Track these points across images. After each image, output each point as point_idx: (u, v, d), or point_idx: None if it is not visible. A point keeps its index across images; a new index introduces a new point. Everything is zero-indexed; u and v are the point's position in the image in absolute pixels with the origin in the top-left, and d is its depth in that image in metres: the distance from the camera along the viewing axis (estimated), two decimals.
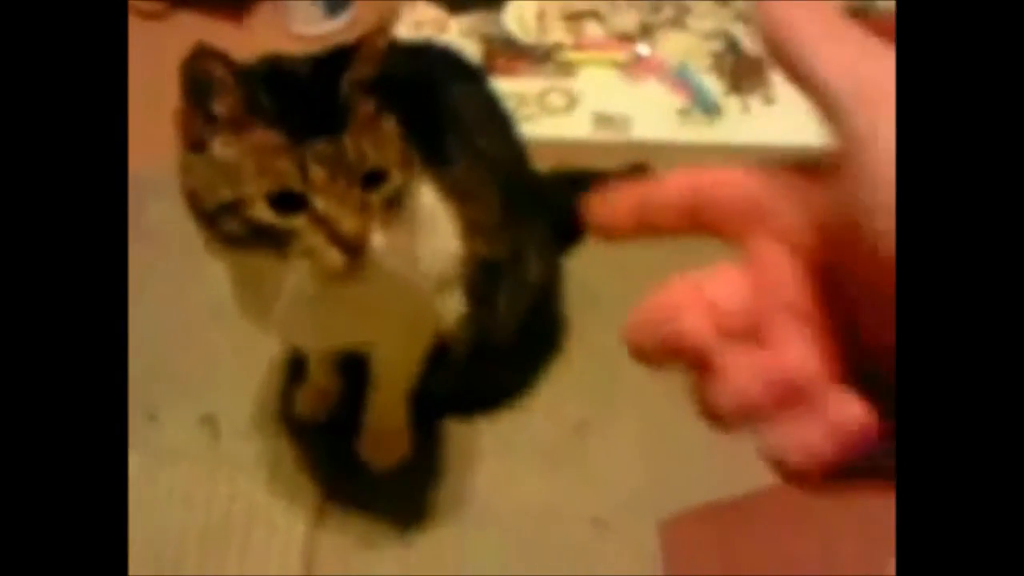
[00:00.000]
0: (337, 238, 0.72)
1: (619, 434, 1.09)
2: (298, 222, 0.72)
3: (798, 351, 0.30)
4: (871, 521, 0.98)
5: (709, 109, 1.39)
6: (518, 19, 1.47)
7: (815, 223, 0.30)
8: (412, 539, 1.02)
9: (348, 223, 0.71)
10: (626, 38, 1.48)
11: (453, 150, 0.94)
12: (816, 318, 0.30)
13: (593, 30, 1.49)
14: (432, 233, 0.88)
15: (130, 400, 0.53)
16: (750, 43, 1.45)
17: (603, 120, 1.39)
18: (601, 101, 1.41)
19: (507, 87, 1.33)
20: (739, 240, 0.32)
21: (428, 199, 0.87)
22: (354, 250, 0.72)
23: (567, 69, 1.45)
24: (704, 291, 0.31)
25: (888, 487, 0.31)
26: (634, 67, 1.45)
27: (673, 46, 1.46)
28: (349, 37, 0.78)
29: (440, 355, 1.01)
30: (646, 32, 1.48)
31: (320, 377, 1.10)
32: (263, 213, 0.71)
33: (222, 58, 0.70)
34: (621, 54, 1.46)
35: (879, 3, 1.45)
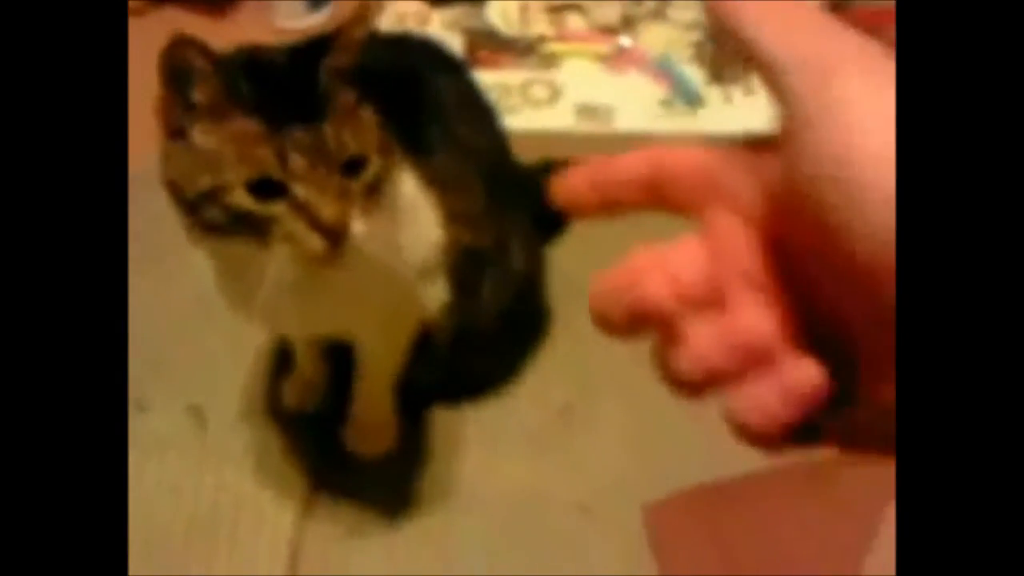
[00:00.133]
0: (317, 224, 0.72)
1: (603, 420, 1.10)
2: (278, 209, 0.73)
3: (754, 316, 0.31)
4: (854, 503, 0.99)
5: (691, 99, 1.40)
6: (501, 12, 1.48)
7: (766, 195, 0.31)
8: (399, 527, 1.03)
9: (328, 210, 0.72)
10: (608, 30, 1.49)
11: (434, 140, 0.94)
12: (770, 285, 0.31)
13: (575, 22, 1.50)
14: (414, 221, 0.88)
15: None
16: None
17: (586, 111, 1.40)
18: (584, 93, 1.42)
19: (490, 79, 1.34)
20: (697, 213, 0.33)
21: (409, 188, 0.87)
22: (334, 236, 0.73)
23: (550, 61, 1.46)
24: (666, 260, 0.32)
25: (838, 447, 0.32)
26: (616, 59, 1.46)
27: (655, 37, 1.47)
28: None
29: (425, 344, 1.02)
30: (628, 24, 1.49)
31: (307, 368, 1.10)
32: (243, 200, 0.72)
33: (201, 47, 0.70)
34: (603, 46, 1.47)
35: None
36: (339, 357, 1.07)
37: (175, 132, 0.74)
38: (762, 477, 1.01)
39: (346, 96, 0.75)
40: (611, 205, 0.34)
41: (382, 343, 1.01)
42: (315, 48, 0.75)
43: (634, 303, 0.32)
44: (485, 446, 1.09)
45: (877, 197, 0.27)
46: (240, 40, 0.79)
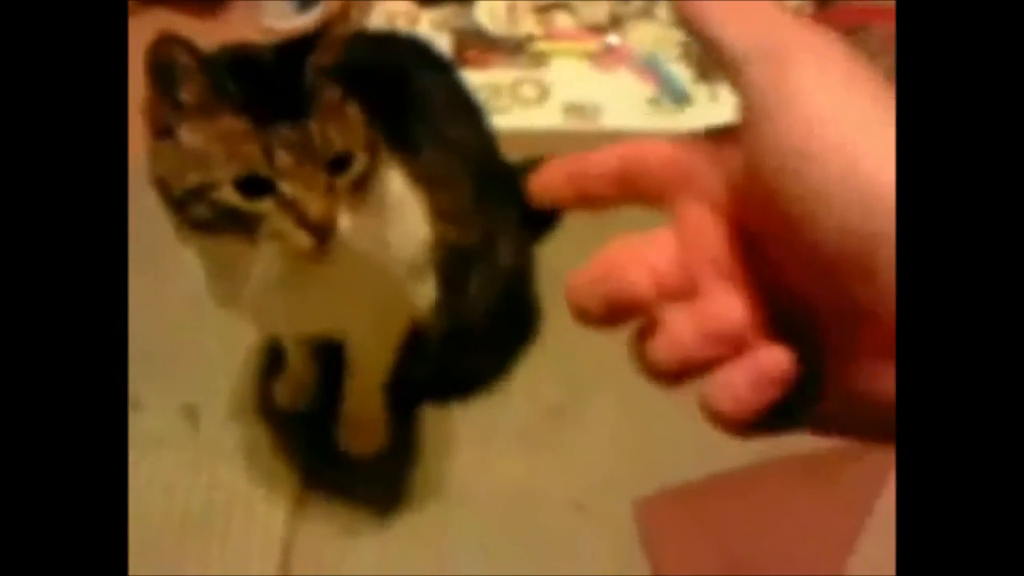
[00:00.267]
0: (304, 221, 0.73)
1: (594, 417, 1.11)
2: (265, 206, 0.73)
3: (725, 304, 0.32)
4: (845, 496, 0.99)
5: (678, 97, 1.41)
6: (489, 11, 1.48)
7: (730, 186, 0.32)
8: (391, 525, 1.03)
9: (315, 206, 0.72)
10: (596, 29, 1.49)
11: (421, 138, 0.95)
12: (738, 273, 0.32)
13: (563, 21, 1.50)
14: (401, 218, 0.89)
15: None
16: None
17: (574, 110, 1.40)
18: (572, 91, 1.43)
19: (479, 79, 1.34)
20: (668, 205, 0.33)
21: (397, 185, 0.88)
22: (321, 233, 0.73)
23: (538, 60, 1.47)
24: (640, 251, 0.33)
25: (809, 433, 0.32)
26: (604, 57, 1.47)
27: (642, 36, 1.47)
28: None
29: (415, 342, 1.02)
30: (616, 22, 1.49)
31: (298, 367, 1.11)
32: (231, 197, 0.72)
33: (186, 45, 0.71)
34: (592, 44, 1.48)
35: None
36: (331, 356, 1.08)
37: (162, 130, 0.74)
38: (753, 471, 1.01)
39: (331, 93, 0.75)
40: (587, 199, 0.35)
41: (372, 341, 1.01)
42: (301, 46, 0.76)
43: (613, 293, 0.32)
44: (476, 444, 1.09)
45: (837, 188, 0.27)
46: (229, 40, 0.80)
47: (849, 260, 0.27)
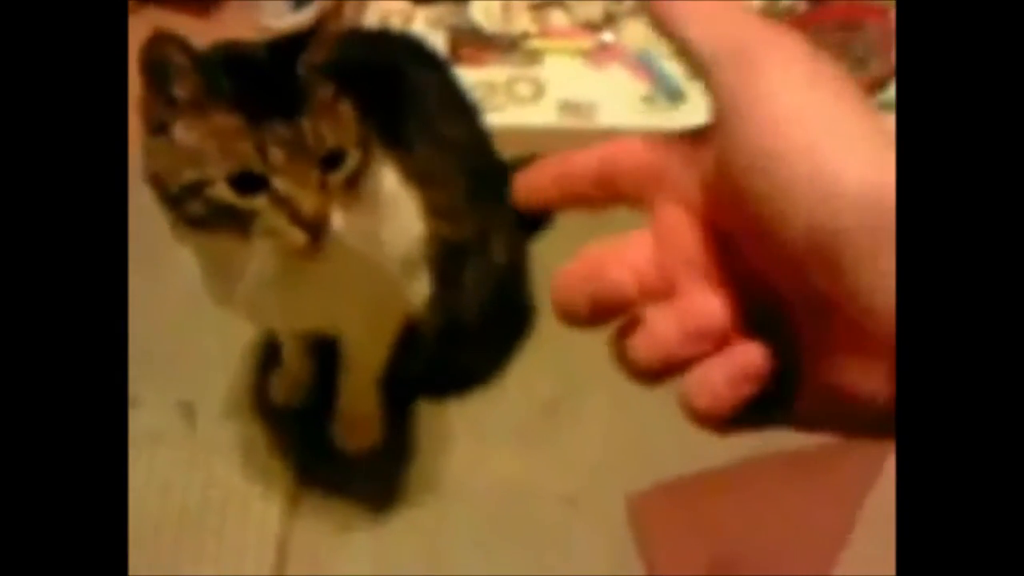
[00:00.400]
0: (298, 218, 0.73)
1: (588, 413, 1.11)
2: (259, 203, 0.73)
3: (702, 302, 0.32)
4: (837, 494, 1.00)
5: (672, 94, 1.41)
6: (484, 9, 1.48)
7: (704, 185, 0.32)
8: (386, 521, 1.03)
9: (308, 203, 0.73)
10: (590, 26, 1.49)
11: (415, 135, 0.95)
12: (713, 271, 0.32)
13: (558, 19, 1.50)
14: (395, 215, 0.89)
15: None
16: None
17: (569, 107, 1.41)
18: (567, 89, 1.43)
19: (474, 77, 1.34)
20: (646, 205, 0.34)
21: (390, 182, 0.88)
22: (315, 230, 0.73)
23: (533, 58, 1.47)
24: (621, 251, 0.33)
25: (788, 428, 0.33)
26: (599, 54, 1.47)
27: (636, 33, 1.48)
28: None
29: (410, 338, 1.03)
30: (610, 20, 1.50)
31: (294, 364, 1.11)
32: (225, 194, 0.73)
33: (180, 42, 0.71)
34: (586, 42, 1.48)
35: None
36: (326, 353, 1.08)
37: (157, 127, 0.75)
38: (745, 467, 1.02)
39: (324, 91, 0.76)
40: (572, 200, 0.35)
41: (366, 337, 1.01)
42: (294, 43, 0.76)
43: (596, 292, 0.33)
44: (471, 440, 1.10)
45: (804, 187, 0.28)
46: (225, 38, 0.80)
47: (816, 258, 0.28)
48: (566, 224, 1.21)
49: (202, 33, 0.79)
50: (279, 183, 0.73)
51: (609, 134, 0.34)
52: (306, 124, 0.73)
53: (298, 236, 0.73)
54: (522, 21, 1.48)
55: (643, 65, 1.44)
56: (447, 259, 0.99)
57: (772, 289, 0.31)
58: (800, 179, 0.28)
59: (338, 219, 0.74)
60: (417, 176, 0.92)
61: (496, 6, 1.48)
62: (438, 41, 1.44)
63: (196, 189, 0.73)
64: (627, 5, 1.51)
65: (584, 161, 0.35)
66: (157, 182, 0.75)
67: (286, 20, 1.51)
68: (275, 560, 1.01)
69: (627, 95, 1.41)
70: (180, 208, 0.74)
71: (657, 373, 0.32)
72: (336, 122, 0.75)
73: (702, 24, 0.31)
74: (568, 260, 0.34)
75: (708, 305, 0.32)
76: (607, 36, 1.48)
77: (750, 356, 0.31)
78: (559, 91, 1.42)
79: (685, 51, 0.32)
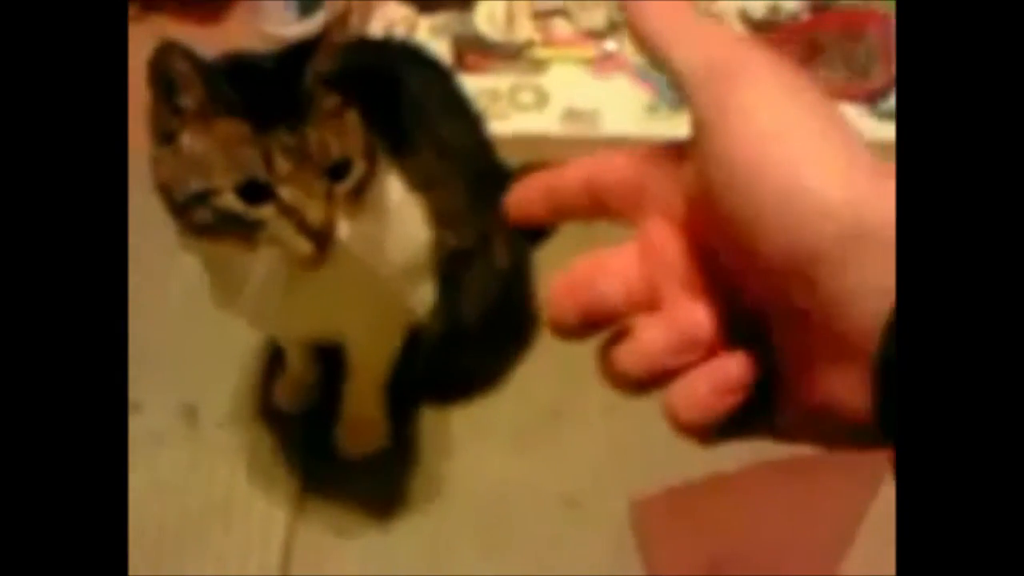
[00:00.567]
0: (304, 227, 0.74)
1: (590, 416, 1.11)
2: (266, 212, 0.74)
3: (687, 314, 0.33)
4: (839, 498, 1.00)
5: (675, 104, 1.41)
6: (488, 17, 1.49)
7: (686, 198, 0.33)
8: (390, 524, 1.04)
9: (314, 212, 0.74)
10: (594, 34, 1.50)
11: (418, 141, 0.95)
12: (697, 284, 0.33)
13: (562, 27, 1.51)
14: (400, 223, 0.90)
15: None
16: None
17: (572, 115, 1.41)
18: (570, 97, 1.43)
19: (478, 85, 1.35)
20: (632, 218, 0.35)
21: (395, 189, 0.89)
22: (321, 239, 0.74)
23: (537, 66, 1.48)
24: (610, 263, 0.34)
25: (771, 439, 0.33)
26: (602, 63, 1.48)
27: None
28: None
29: (413, 342, 1.03)
30: (614, 28, 1.50)
31: (298, 368, 1.11)
32: (232, 203, 0.73)
33: (186, 52, 0.72)
34: (590, 50, 1.49)
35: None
36: (330, 357, 1.09)
37: (164, 136, 0.76)
38: (747, 471, 1.02)
39: (330, 100, 0.76)
40: (562, 214, 0.36)
41: (371, 344, 1.02)
42: (300, 52, 0.77)
43: (586, 303, 0.33)
44: (474, 443, 1.10)
45: (783, 202, 0.28)
46: (231, 47, 0.81)
47: (793, 271, 0.28)
48: (569, 231, 1.22)
49: (207, 41, 0.80)
50: (285, 192, 0.74)
51: (613, 142, 0.34)
52: (312, 133, 0.74)
53: (304, 245, 0.74)
54: (526, 29, 1.49)
55: (646, 74, 1.45)
56: (450, 264, 0.99)
57: (753, 300, 0.31)
58: (777, 193, 0.28)
59: (344, 228, 0.75)
60: (421, 182, 0.93)
61: (500, 14, 1.49)
62: (442, 49, 1.44)
63: (203, 198, 0.74)
64: None
65: (570, 176, 0.35)
66: (165, 191, 0.76)
67: (292, 28, 1.52)
68: (279, 563, 1.01)
69: (630, 103, 1.42)
70: (187, 216, 0.75)
71: (643, 383, 0.33)
72: (342, 132, 0.76)
73: (682, 42, 0.32)
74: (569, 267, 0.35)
75: (693, 316, 0.32)
76: (611, 45, 1.49)
77: (734, 367, 0.32)
78: (563, 99, 1.43)
79: (666, 68, 0.32)
